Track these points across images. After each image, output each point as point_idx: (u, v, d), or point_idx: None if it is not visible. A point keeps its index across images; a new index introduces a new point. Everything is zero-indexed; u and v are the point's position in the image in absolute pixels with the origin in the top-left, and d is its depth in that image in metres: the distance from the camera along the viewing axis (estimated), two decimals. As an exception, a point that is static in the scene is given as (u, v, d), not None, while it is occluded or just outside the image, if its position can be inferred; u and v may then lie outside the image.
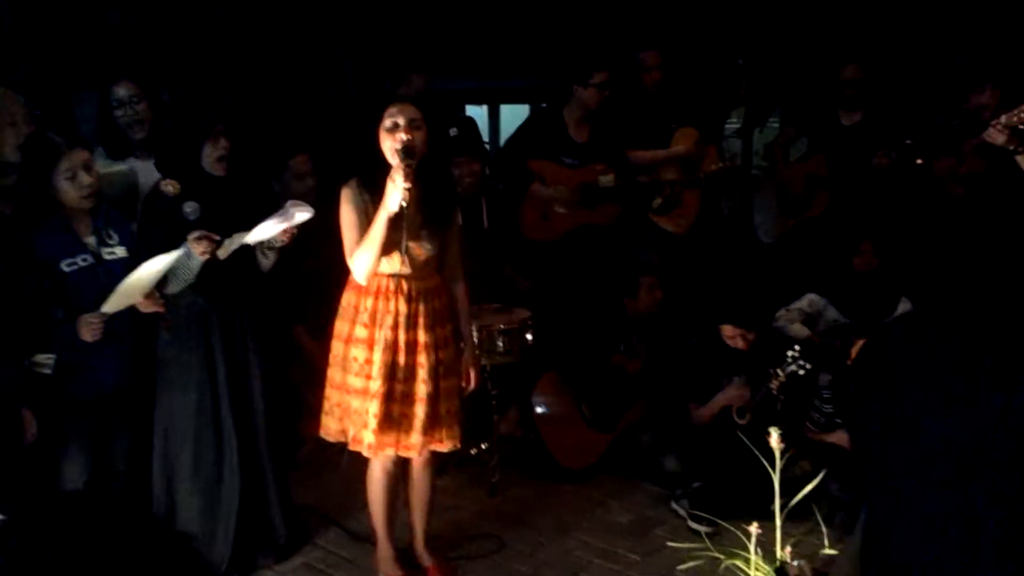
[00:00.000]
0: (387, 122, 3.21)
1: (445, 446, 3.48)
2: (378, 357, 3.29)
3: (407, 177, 3.08)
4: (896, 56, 5.61)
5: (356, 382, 3.34)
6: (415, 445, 3.38)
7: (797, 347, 4.14)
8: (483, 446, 4.37)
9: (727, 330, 4.40)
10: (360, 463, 3.58)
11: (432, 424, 3.39)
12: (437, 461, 3.64)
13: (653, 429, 4.56)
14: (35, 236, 3.27)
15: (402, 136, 3.17)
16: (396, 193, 3.10)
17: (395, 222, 3.17)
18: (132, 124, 3.99)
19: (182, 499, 3.64)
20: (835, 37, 5.95)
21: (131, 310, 3.32)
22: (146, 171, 3.95)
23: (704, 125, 5.55)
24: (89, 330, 3.20)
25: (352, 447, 3.42)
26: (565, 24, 6.65)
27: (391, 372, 3.30)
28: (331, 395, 3.44)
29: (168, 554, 3.65)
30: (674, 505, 4.23)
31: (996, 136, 4.11)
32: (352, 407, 3.36)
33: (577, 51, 5.58)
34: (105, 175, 3.92)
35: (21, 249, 3.22)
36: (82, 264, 3.31)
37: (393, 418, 3.33)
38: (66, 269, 3.28)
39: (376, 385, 3.29)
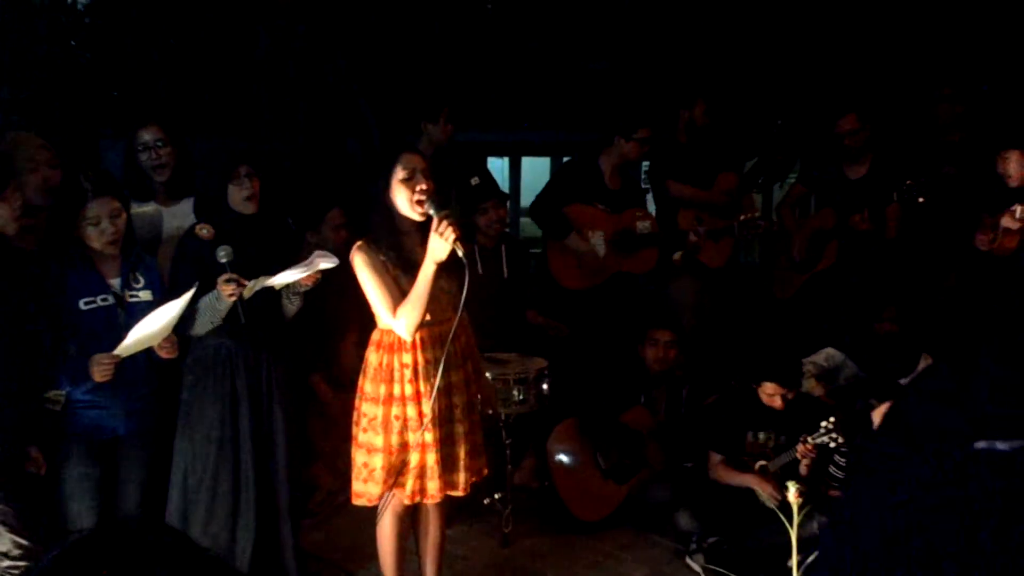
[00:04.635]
0: (400, 174, 3.20)
1: (484, 471, 3.50)
2: (428, 408, 3.25)
3: (454, 227, 3.09)
4: (901, 107, 5.63)
5: (408, 438, 3.28)
6: (463, 483, 3.39)
7: (833, 419, 4.06)
8: (496, 496, 4.33)
9: (768, 387, 4.31)
10: (371, 512, 3.55)
11: (475, 456, 3.42)
12: (449, 508, 3.61)
13: (668, 483, 4.51)
14: (55, 272, 3.28)
15: (422, 186, 3.18)
16: (443, 245, 3.09)
17: (458, 272, 3.16)
18: (155, 168, 4.02)
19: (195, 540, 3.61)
20: (840, 92, 6.00)
21: (147, 356, 3.32)
22: (170, 215, 4.01)
23: (743, 174, 5.61)
24: (100, 370, 3.17)
25: (411, 501, 3.37)
26: (589, 80, 6.76)
27: (440, 418, 3.29)
28: (370, 461, 3.34)
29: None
30: (689, 560, 4.17)
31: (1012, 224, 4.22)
32: (406, 464, 3.30)
33: (621, 105, 5.67)
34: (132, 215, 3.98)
35: (37, 284, 3.23)
36: (101, 304, 3.31)
37: (448, 461, 3.33)
38: (83, 307, 3.28)
39: (430, 435, 3.27)
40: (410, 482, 3.31)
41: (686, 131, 5.48)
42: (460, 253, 3.10)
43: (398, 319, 3.22)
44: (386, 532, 3.49)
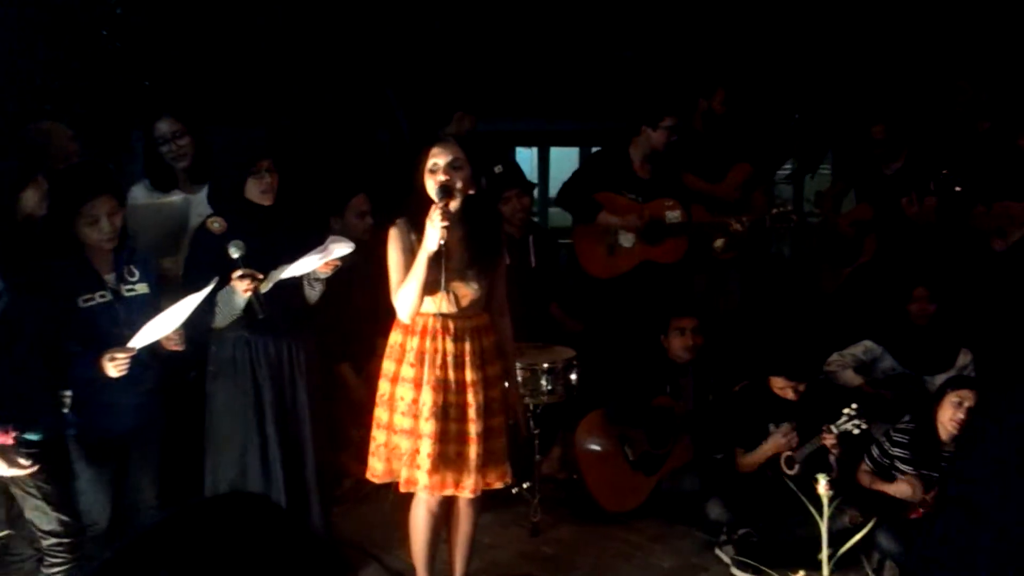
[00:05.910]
0: (429, 163, 3.25)
1: (496, 484, 3.47)
2: (427, 397, 3.27)
3: (443, 216, 3.11)
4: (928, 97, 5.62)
5: (404, 422, 3.32)
6: (471, 484, 3.36)
7: (855, 405, 4.03)
8: (525, 486, 4.33)
9: (777, 381, 4.32)
10: (403, 499, 3.56)
11: (486, 462, 3.38)
12: (482, 500, 3.60)
13: (697, 474, 4.49)
14: (56, 270, 3.23)
15: (440, 177, 3.20)
16: (434, 232, 3.12)
17: (435, 262, 3.18)
18: (176, 158, 4.07)
19: None
20: (864, 85, 5.99)
21: (149, 350, 3.27)
22: (195, 203, 4.03)
23: (758, 166, 5.57)
24: (116, 365, 3.11)
25: (404, 489, 3.39)
26: (618, 69, 6.72)
27: (443, 412, 3.29)
28: (377, 435, 3.42)
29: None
30: (718, 551, 4.15)
31: None
32: (401, 447, 3.34)
33: (646, 94, 5.65)
34: (155, 206, 4.00)
35: (41, 284, 3.19)
36: (100, 300, 3.26)
37: (449, 458, 3.31)
38: (82, 305, 3.23)
39: (428, 426, 3.27)
40: (404, 470, 3.32)
41: (703, 120, 5.45)
42: (442, 242, 3.11)
43: (395, 299, 3.29)
44: (419, 524, 3.50)
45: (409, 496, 3.48)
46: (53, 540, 3.19)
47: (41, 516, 3.17)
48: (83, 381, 3.20)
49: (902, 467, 4.07)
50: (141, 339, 3.16)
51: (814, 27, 6.42)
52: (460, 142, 3.39)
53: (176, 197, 4.06)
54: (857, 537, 2.89)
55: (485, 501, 3.72)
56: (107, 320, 3.25)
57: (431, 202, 3.22)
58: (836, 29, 6.40)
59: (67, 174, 3.35)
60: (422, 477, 3.29)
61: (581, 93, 6.76)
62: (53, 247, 3.25)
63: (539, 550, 4.23)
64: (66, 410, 3.23)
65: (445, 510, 3.54)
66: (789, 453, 4.26)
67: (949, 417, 3.97)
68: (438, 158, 3.24)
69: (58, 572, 3.19)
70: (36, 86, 4.84)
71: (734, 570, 4.01)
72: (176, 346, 3.30)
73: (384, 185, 4.80)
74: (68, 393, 3.21)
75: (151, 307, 3.27)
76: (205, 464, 3.67)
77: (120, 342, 3.15)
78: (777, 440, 4.23)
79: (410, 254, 3.27)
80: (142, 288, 3.37)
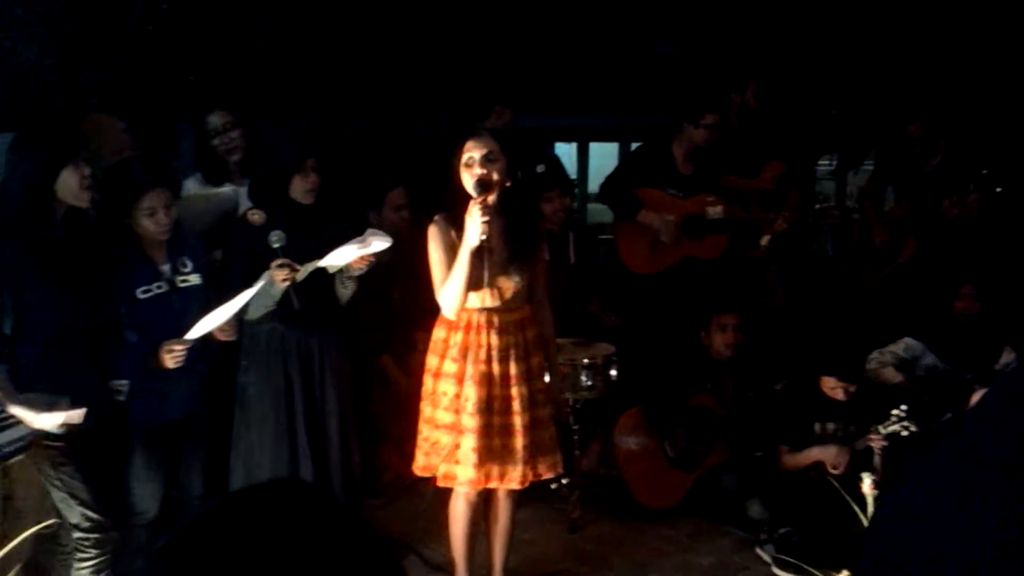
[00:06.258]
0: (464, 157, 3.25)
1: (547, 474, 3.48)
2: (471, 392, 3.28)
3: (483, 211, 3.12)
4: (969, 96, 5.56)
5: (445, 416, 3.34)
6: (517, 476, 3.36)
7: (904, 407, 3.97)
8: (564, 481, 4.32)
9: (828, 382, 4.27)
10: (442, 493, 3.57)
11: (533, 453, 3.39)
12: (520, 495, 3.60)
13: (737, 472, 4.45)
14: (113, 262, 3.28)
15: (477, 171, 3.20)
16: (475, 228, 3.13)
17: (477, 257, 3.19)
18: (228, 151, 4.13)
19: None
20: (919, 81, 5.93)
21: (202, 337, 3.31)
22: (245, 195, 4.07)
23: (793, 162, 5.52)
24: (173, 357, 3.18)
25: (442, 483, 3.40)
26: (657, 65, 6.68)
27: (487, 406, 3.30)
28: (422, 429, 3.44)
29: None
30: (759, 550, 4.12)
31: None
32: (441, 442, 3.35)
33: (686, 91, 5.63)
34: (206, 197, 4.04)
35: (100, 276, 3.24)
36: (156, 291, 3.31)
37: (494, 451, 3.32)
38: (141, 296, 3.28)
39: (472, 420, 3.28)
40: (442, 465, 3.34)
41: (738, 116, 5.40)
42: (484, 237, 3.12)
43: (440, 296, 3.30)
44: (458, 517, 3.52)
45: (449, 490, 3.50)
46: (80, 534, 3.20)
47: (67, 508, 3.19)
48: (138, 371, 3.25)
49: None
50: (197, 330, 3.21)
51: (852, 21, 6.36)
52: (496, 134, 3.39)
53: (226, 188, 4.11)
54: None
55: (524, 496, 3.72)
56: (163, 310, 3.31)
57: (468, 197, 3.23)
58: (874, 24, 6.32)
59: (125, 166, 3.39)
60: (464, 472, 3.30)
61: (621, 88, 6.73)
62: (111, 239, 3.30)
63: (578, 546, 4.23)
64: (121, 397, 3.29)
65: (484, 503, 3.55)
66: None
67: None
68: (473, 152, 3.24)
69: (87, 567, 3.20)
70: (81, 82, 4.90)
71: (775, 569, 3.98)
72: (228, 337, 3.36)
73: (422, 179, 4.81)
74: (124, 383, 3.27)
75: (203, 297, 3.33)
76: (232, 451, 3.70)
77: (174, 332, 3.21)
78: (829, 453, 4.14)
79: (451, 251, 3.27)
80: (195, 279, 3.42)
